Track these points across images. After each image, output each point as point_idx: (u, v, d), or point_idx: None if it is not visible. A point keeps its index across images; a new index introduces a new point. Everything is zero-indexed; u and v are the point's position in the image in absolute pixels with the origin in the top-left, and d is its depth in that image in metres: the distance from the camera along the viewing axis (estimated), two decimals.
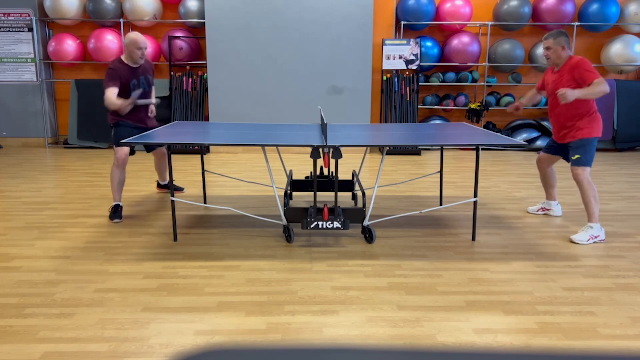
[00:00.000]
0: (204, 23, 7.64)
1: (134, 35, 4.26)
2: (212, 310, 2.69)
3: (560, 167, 6.54)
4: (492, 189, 5.42)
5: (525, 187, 5.48)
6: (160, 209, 4.59)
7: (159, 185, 5.16)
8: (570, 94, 3.60)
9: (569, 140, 3.91)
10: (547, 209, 4.48)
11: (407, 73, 7.68)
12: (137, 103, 4.36)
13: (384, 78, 7.68)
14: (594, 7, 7.64)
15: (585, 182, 3.79)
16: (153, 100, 4.62)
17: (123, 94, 4.30)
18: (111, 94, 4.18)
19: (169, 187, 4.96)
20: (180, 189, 5.25)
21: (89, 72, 8.26)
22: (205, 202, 4.83)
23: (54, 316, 2.62)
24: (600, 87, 3.62)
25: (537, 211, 4.51)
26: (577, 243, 3.77)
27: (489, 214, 4.50)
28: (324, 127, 3.95)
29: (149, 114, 4.62)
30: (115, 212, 4.26)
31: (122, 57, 4.32)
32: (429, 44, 7.76)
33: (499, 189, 5.42)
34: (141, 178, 5.85)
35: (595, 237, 3.78)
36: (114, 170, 4.35)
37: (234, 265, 3.29)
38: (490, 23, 7.82)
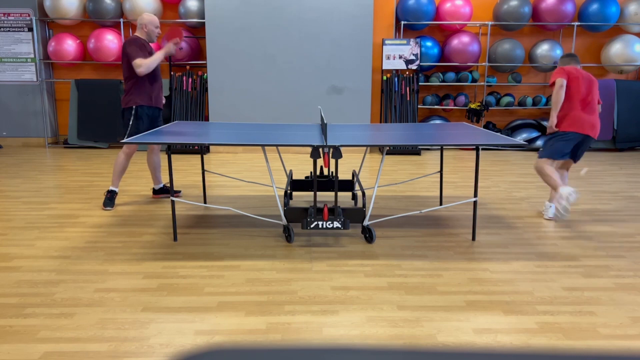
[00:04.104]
0: (204, 23, 7.64)
1: (150, 15, 4.58)
2: (212, 310, 2.69)
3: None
4: (492, 189, 5.42)
5: (525, 187, 5.48)
6: (160, 209, 4.59)
7: (155, 192, 5.01)
8: (550, 125, 4.31)
9: None
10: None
11: (407, 73, 7.68)
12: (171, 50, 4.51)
13: (384, 78, 7.68)
14: (594, 7, 7.64)
15: (538, 169, 4.26)
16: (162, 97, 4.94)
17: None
18: (144, 58, 4.42)
19: (165, 192, 4.97)
20: (177, 192, 5.16)
21: (89, 72, 8.26)
22: (205, 202, 4.83)
23: (54, 316, 2.62)
24: (553, 96, 4.24)
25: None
26: (553, 216, 4.14)
27: (489, 214, 4.50)
28: (324, 127, 3.95)
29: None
30: (111, 199, 4.53)
31: (137, 34, 4.60)
32: (429, 44, 7.76)
33: (499, 189, 5.42)
34: (141, 178, 5.85)
35: (563, 199, 3.99)
36: (120, 157, 4.58)
37: (234, 265, 3.29)
38: (490, 23, 7.82)
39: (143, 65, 4.37)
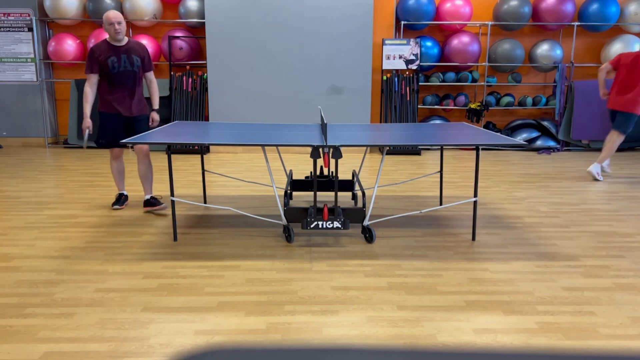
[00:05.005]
0: (204, 23, 7.64)
1: (107, 12, 4.32)
2: (212, 310, 2.69)
3: (559, 167, 6.54)
4: (492, 189, 5.42)
5: (525, 187, 5.48)
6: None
7: (145, 203, 4.54)
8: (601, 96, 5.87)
9: None
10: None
11: (407, 73, 7.68)
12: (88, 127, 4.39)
13: (384, 78, 7.68)
14: (594, 7, 7.64)
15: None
16: (155, 105, 4.60)
17: (105, 71, 4.34)
18: (88, 85, 4.34)
19: (149, 204, 4.52)
20: (159, 204, 4.48)
21: None
22: (205, 202, 4.83)
23: (54, 316, 2.62)
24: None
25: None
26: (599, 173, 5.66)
27: (489, 214, 4.50)
28: (324, 127, 3.95)
29: (137, 101, 4.49)
30: (118, 200, 4.59)
31: (107, 38, 4.43)
32: (429, 43, 7.76)
33: (499, 189, 5.42)
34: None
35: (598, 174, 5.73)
36: (110, 163, 4.63)
37: (234, 265, 3.29)
38: (490, 23, 7.82)
39: (84, 92, 4.33)
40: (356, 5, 7.31)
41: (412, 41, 7.48)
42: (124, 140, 3.64)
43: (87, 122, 4.36)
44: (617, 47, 7.78)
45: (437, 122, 7.90)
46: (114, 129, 4.45)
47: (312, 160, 7.06)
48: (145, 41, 7.70)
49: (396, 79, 7.64)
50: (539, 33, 8.16)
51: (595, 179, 5.77)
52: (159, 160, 6.93)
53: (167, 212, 4.46)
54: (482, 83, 8.08)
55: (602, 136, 7.86)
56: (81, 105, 7.78)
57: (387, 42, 7.50)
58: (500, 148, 8.02)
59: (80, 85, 7.76)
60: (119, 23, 4.28)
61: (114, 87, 4.38)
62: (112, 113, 4.42)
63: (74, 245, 3.67)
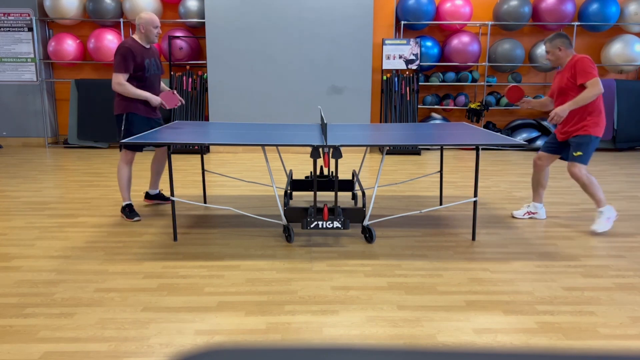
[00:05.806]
0: (204, 23, 7.64)
1: (148, 14, 4.20)
2: (212, 310, 2.69)
3: (559, 167, 6.54)
4: (492, 189, 5.42)
5: (525, 187, 5.48)
6: (160, 209, 4.59)
7: (148, 196, 4.73)
8: (561, 111, 3.80)
9: (570, 136, 3.96)
10: (534, 213, 4.32)
11: (407, 73, 7.68)
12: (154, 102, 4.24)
13: (384, 78, 7.68)
14: (594, 7, 7.64)
15: (584, 178, 3.88)
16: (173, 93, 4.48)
17: (139, 73, 4.17)
18: (124, 79, 4.11)
19: (159, 198, 4.73)
20: (167, 199, 4.77)
21: (89, 72, 8.26)
22: (205, 202, 4.83)
23: (54, 316, 2.62)
24: (590, 92, 3.74)
25: (524, 215, 4.32)
26: (601, 232, 3.94)
27: (489, 214, 4.50)
28: (324, 127, 3.95)
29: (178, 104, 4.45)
30: (132, 211, 4.24)
31: (135, 37, 4.24)
32: (429, 43, 7.76)
33: (499, 189, 5.42)
34: (142, 178, 5.85)
35: (610, 218, 3.97)
36: (122, 168, 4.28)
37: (234, 265, 3.29)
38: (490, 23, 7.82)
39: (123, 87, 4.10)
40: (356, 5, 7.31)
41: (412, 41, 7.48)
42: (124, 141, 3.64)
43: (156, 99, 4.21)
44: (617, 47, 7.78)
45: (437, 122, 7.89)
46: (145, 128, 4.30)
47: (312, 160, 7.06)
48: None
49: (396, 79, 7.63)
50: (539, 33, 8.16)
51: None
52: None
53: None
54: (482, 83, 8.08)
55: (602, 136, 7.86)
56: (82, 106, 7.77)
57: (387, 42, 7.50)
58: (500, 148, 8.02)
59: (80, 85, 7.76)
60: (160, 27, 4.31)
61: (145, 89, 4.25)
62: (142, 116, 4.27)
63: (74, 245, 3.67)
